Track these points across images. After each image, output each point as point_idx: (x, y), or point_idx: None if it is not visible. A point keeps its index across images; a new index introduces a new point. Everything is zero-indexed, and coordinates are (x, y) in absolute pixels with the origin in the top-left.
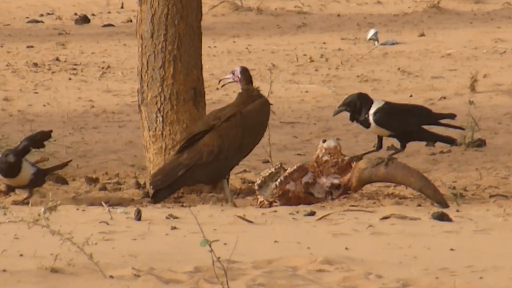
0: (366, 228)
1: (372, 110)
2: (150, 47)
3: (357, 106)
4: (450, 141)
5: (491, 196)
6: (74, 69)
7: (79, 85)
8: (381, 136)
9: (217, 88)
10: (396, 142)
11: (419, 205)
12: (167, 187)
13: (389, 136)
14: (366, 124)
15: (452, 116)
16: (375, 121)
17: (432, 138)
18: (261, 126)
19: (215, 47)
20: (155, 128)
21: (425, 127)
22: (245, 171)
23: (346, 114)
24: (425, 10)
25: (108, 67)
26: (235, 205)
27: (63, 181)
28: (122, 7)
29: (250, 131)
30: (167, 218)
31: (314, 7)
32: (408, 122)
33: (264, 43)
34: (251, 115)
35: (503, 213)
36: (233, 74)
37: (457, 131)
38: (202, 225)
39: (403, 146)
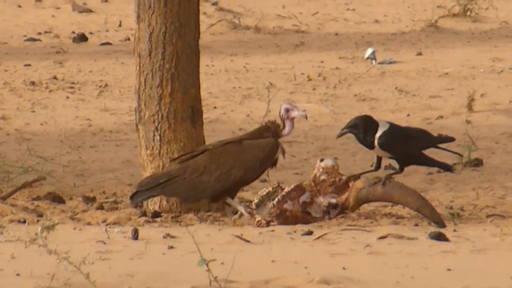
0: (364, 247)
1: (378, 133)
2: (148, 66)
3: (362, 129)
4: (447, 168)
5: (488, 216)
6: (72, 87)
7: (76, 103)
8: (381, 157)
9: (215, 107)
10: (394, 162)
11: (416, 225)
12: (146, 190)
13: (390, 158)
14: (371, 146)
15: (451, 139)
16: (380, 144)
17: (430, 164)
18: (256, 163)
19: (213, 65)
20: (153, 147)
21: (425, 151)
22: (242, 190)
23: (344, 135)
24: (422, 29)
25: (106, 85)
26: (234, 223)
27: (60, 200)
28: (120, 26)
29: (241, 164)
30: (164, 237)
31: (312, 26)
32: (410, 147)
33: (262, 61)
34: (248, 149)
35: (500, 233)
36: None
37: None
38: (199, 244)
39: (402, 169)
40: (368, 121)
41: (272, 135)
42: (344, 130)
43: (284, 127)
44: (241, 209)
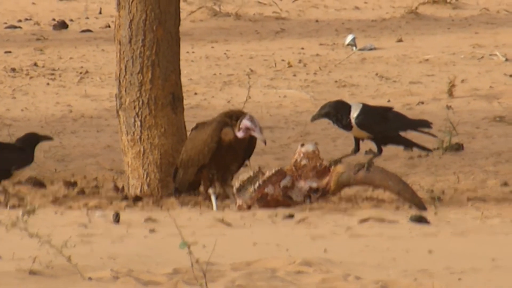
0: (345, 230)
1: (354, 114)
2: (129, 53)
3: (336, 114)
4: (426, 149)
5: (469, 200)
6: (52, 74)
7: (57, 90)
8: (358, 139)
9: (195, 93)
10: (373, 146)
11: (397, 208)
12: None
13: (367, 138)
14: (349, 128)
15: (427, 124)
16: (358, 124)
17: (408, 144)
18: (203, 146)
19: (193, 52)
20: (133, 133)
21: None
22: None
23: (324, 121)
24: (403, 15)
25: (86, 72)
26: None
27: (41, 184)
28: (100, 13)
29: (193, 148)
30: (145, 221)
31: (292, 13)
32: (387, 125)
33: (243, 48)
34: (199, 132)
35: (481, 216)
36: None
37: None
38: (181, 228)
39: (380, 150)
40: (339, 105)
41: (232, 122)
42: (317, 117)
43: (239, 130)
44: (213, 202)
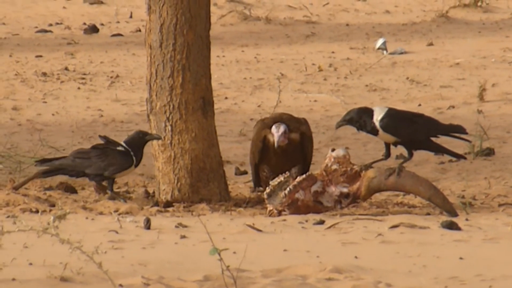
0: (375, 236)
1: (378, 117)
2: (159, 57)
3: (359, 121)
4: (459, 157)
5: (500, 205)
6: (83, 78)
7: (88, 94)
8: (389, 144)
9: (226, 98)
10: (404, 151)
11: (428, 214)
12: None
13: (395, 143)
14: (374, 132)
15: (461, 130)
16: (382, 127)
17: (440, 150)
18: (252, 146)
19: (223, 56)
20: (164, 137)
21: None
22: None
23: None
24: (433, 19)
25: (117, 76)
26: None
27: (72, 190)
28: (131, 17)
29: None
30: (176, 227)
31: (323, 17)
32: (415, 129)
33: (273, 52)
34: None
35: None
36: (285, 132)
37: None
38: (211, 234)
39: (411, 154)
40: (361, 111)
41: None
42: (341, 123)
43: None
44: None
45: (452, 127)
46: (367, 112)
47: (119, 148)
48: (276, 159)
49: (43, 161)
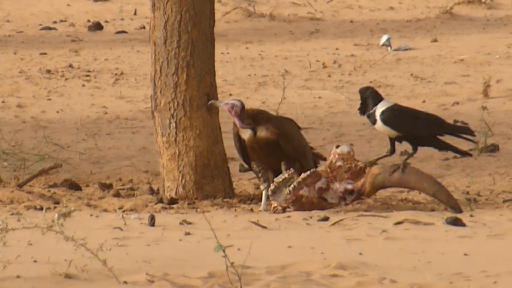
0: (380, 233)
1: (380, 108)
2: (163, 54)
3: (364, 98)
4: (464, 153)
5: (504, 201)
6: (87, 75)
7: (92, 91)
8: (393, 140)
9: (230, 94)
10: (409, 147)
11: (433, 210)
12: None
13: (397, 138)
14: (373, 120)
15: (469, 131)
16: (382, 120)
17: (445, 147)
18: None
19: (228, 53)
20: (169, 134)
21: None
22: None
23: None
24: (437, 16)
25: (121, 73)
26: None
27: (76, 187)
28: (135, 14)
29: None
30: (180, 224)
31: (327, 13)
32: (416, 126)
33: (277, 49)
34: None
35: None
36: (233, 107)
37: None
38: (215, 230)
39: (415, 149)
40: (370, 92)
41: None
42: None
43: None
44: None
45: (459, 129)
46: (375, 96)
47: None
48: (257, 155)
49: None
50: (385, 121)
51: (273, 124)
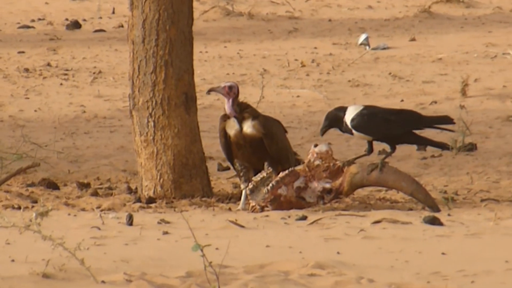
0: (358, 232)
1: (349, 116)
2: (142, 52)
3: (337, 120)
4: (442, 146)
5: (482, 200)
6: (66, 74)
7: (70, 90)
8: (371, 141)
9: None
10: (387, 146)
11: (411, 209)
12: None
13: (375, 140)
14: (350, 131)
15: (448, 120)
16: (353, 127)
17: (422, 142)
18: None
19: (206, 52)
20: (147, 133)
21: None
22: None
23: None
24: (416, 15)
25: (100, 72)
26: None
27: (54, 186)
28: (113, 13)
29: None
30: (158, 223)
31: (305, 12)
32: (389, 126)
33: (256, 48)
34: None
35: (494, 217)
36: (231, 89)
37: (448, 136)
38: (194, 230)
39: (393, 148)
40: (337, 111)
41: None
42: (324, 128)
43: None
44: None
45: (438, 119)
46: (340, 112)
47: None
48: (241, 152)
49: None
50: (356, 127)
51: (260, 122)
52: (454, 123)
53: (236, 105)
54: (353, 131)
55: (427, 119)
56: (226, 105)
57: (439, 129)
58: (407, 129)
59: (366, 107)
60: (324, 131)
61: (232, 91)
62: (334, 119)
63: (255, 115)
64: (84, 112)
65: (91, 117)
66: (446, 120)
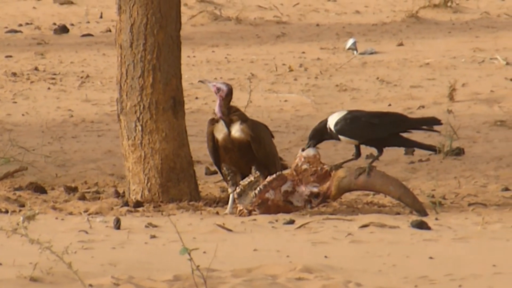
0: (345, 236)
1: (333, 122)
2: (129, 57)
3: (323, 135)
4: (429, 148)
5: (469, 205)
6: (53, 78)
7: (58, 94)
8: (358, 145)
9: (196, 98)
10: (374, 150)
11: (398, 214)
12: None
13: (362, 143)
14: (336, 137)
15: (434, 121)
16: (337, 131)
17: (409, 145)
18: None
19: (194, 56)
20: (134, 137)
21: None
22: None
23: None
24: (403, 19)
25: (87, 76)
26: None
27: (41, 190)
28: (101, 17)
29: None
30: (146, 226)
31: (293, 17)
32: (373, 129)
33: (243, 52)
34: None
35: (481, 221)
36: (218, 90)
37: (436, 140)
38: (181, 233)
39: (380, 151)
40: (318, 126)
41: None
42: (309, 144)
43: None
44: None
45: (424, 121)
46: (321, 123)
47: None
48: (229, 156)
49: None
50: (340, 131)
51: (248, 126)
52: (441, 123)
53: (226, 107)
54: (339, 135)
55: (413, 121)
56: (216, 107)
57: (426, 131)
58: (392, 132)
59: (350, 111)
60: (309, 146)
61: (219, 92)
62: (318, 132)
63: (243, 118)
64: (72, 116)
65: (78, 121)
66: (433, 121)
